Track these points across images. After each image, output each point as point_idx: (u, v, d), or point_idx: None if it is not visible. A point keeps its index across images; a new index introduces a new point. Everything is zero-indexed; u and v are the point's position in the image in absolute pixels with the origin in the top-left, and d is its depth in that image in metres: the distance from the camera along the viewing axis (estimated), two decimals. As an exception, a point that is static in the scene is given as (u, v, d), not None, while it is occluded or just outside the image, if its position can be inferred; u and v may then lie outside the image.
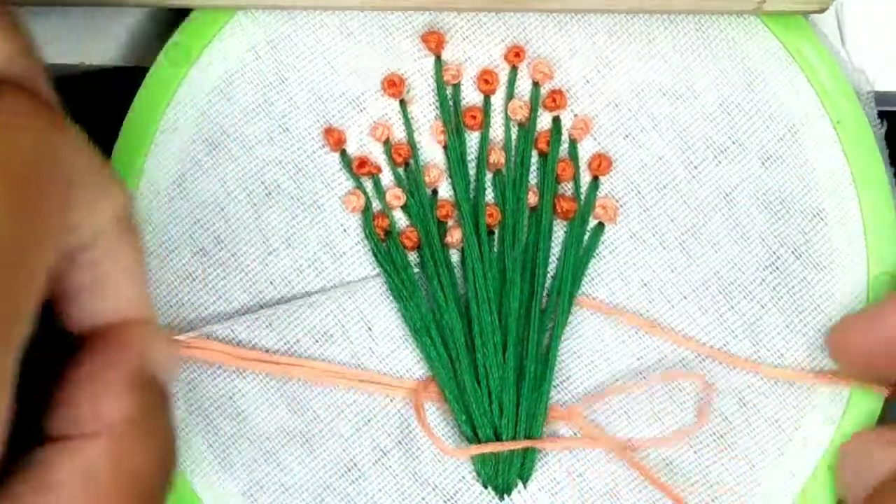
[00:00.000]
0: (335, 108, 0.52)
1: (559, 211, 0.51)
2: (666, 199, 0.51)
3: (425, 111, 0.52)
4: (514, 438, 0.50)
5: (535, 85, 0.52)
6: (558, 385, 0.51)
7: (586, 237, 0.51)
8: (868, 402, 0.51)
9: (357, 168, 0.51)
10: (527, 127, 0.51)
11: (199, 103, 0.51)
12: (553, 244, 0.51)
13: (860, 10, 0.52)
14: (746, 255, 0.51)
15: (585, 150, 0.52)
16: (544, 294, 0.51)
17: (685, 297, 0.51)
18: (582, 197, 0.51)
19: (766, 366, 0.51)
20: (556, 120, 0.51)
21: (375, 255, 0.51)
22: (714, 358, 0.51)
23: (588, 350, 0.51)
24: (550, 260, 0.51)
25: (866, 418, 0.50)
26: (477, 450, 0.50)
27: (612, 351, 0.51)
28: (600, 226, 0.51)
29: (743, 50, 0.51)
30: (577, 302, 0.51)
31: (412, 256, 0.51)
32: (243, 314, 0.51)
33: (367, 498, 0.51)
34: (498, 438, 0.51)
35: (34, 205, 0.33)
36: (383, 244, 0.51)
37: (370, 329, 0.51)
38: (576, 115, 0.52)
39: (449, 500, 0.51)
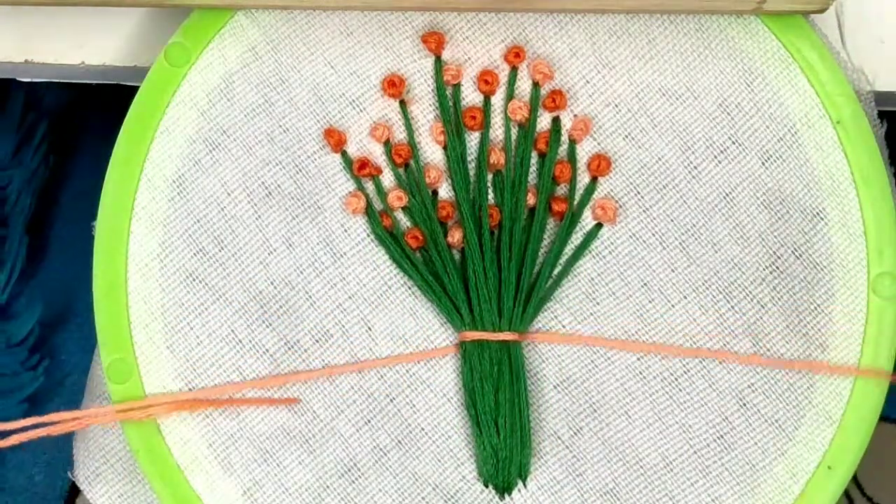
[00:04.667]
0: (335, 108, 0.52)
1: (555, 212, 0.51)
2: (666, 200, 0.51)
3: (425, 111, 0.52)
4: (511, 435, 0.51)
5: (535, 85, 0.52)
6: (559, 385, 0.51)
7: (579, 237, 0.51)
8: (869, 401, 0.51)
9: (358, 170, 0.51)
10: (527, 127, 0.51)
11: (199, 103, 0.51)
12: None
13: (860, 10, 0.52)
14: (747, 255, 0.51)
15: (585, 151, 0.52)
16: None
17: (685, 297, 0.51)
18: (576, 198, 0.51)
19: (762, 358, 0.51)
20: (556, 120, 0.51)
21: (392, 258, 0.51)
22: (703, 357, 0.51)
23: (588, 349, 0.51)
24: (550, 260, 0.51)
25: (867, 417, 0.50)
26: None
27: (613, 350, 0.51)
28: (598, 226, 0.51)
29: (743, 50, 0.51)
30: (536, 336, 0.51)
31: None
32: (243, 314, 0.51)
33: (367, 498, 0.51)
34: (498, 433, 0.51)
35: None
36: (396, 246, 0.51)
37: (370, 329, 0.51)
38: (575, 116, 0.51)
39: (449, 499, 0.51)
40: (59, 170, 0.67)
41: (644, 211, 0.51)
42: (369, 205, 0.51)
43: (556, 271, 0.51)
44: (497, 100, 0.52)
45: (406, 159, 0.51)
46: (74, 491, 0.65)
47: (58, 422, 0.49)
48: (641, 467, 0.51)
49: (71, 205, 0.71)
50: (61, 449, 0.68)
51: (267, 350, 0.51)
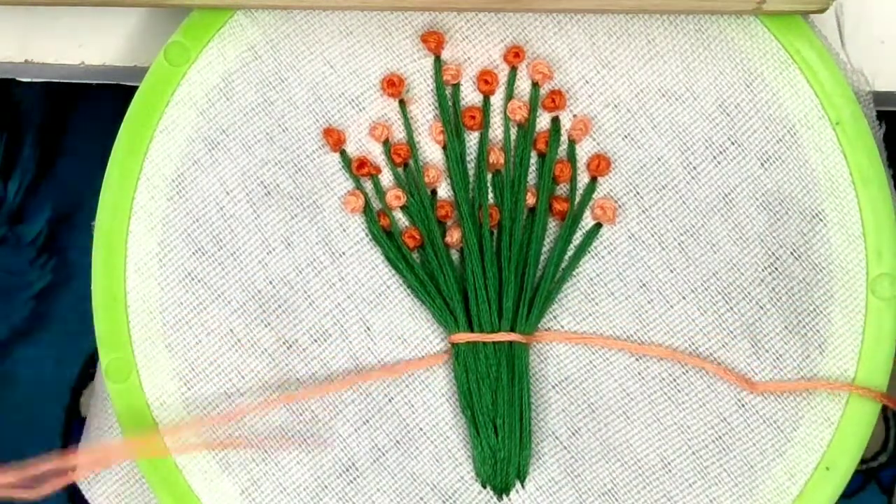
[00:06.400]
0: (335, 107, 0.52)
1: (555, 212, 0.51)
2: (665, 200, 0.51)
3: (425, 111, 0.52)
4: (510, 435, 0.51)
5: (535, 85, 0.52)
6: (557, 385, 0.51)
7: (578, 237, 0.51)
8: (867, 403, 0.50)
9: (357, 169, 0.51)
10: (526, 127, 0.51)
11: (198, 103, 0.51)
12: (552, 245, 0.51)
13: (860, 10, 0.52)
14: (745, 256, 0.51)
15: (584, 151, 0.52)
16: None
17: (684, 298, 0.51)
18: (576, 198, 0.51)
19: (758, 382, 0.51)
20: (555, 120, 0.51)
21: (387, 257, 0.51)
22: (699, 367, 0.51)
23: (587, 349, 0.51)
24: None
25: (865, 418, 0.50)
26: None
27: (611, 351, 0.51)
28: (597, 226, 0.51)
29: (742, 50, 0.51)
30: (542, 336, 0.51)
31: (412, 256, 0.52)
32: (242, 313, 0.51)
33: (365, 497, 0.51)
34: (496, 434, 0.51)
35: None
36: (392, 245, 0.51)
37: (368, 329, 0.51)
38: (575, 116, 0.51)
39: (447, 500, 0.51)
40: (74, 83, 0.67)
41: (643, 211, 0.51)
42: (367, 204, 0.51)
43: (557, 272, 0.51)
44: (496, 100, 0.52)
45: (405, 159, 0.51)
46: (81, 384, 0.66)
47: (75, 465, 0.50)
48: (640, 468, 0.51)
49: (83, 112, 0.71)
50: (70, 345, 0.69)
51: (265, 349, 0.51)
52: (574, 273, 0.51)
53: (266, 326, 0.51)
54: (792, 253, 0.51)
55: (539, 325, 0.51)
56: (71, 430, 0.53)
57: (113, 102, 0.54)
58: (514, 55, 0.51)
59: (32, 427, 0.61)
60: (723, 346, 0.51)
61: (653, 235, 0.51)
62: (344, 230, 0.52)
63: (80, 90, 0.64)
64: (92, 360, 0.52)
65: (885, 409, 0.55)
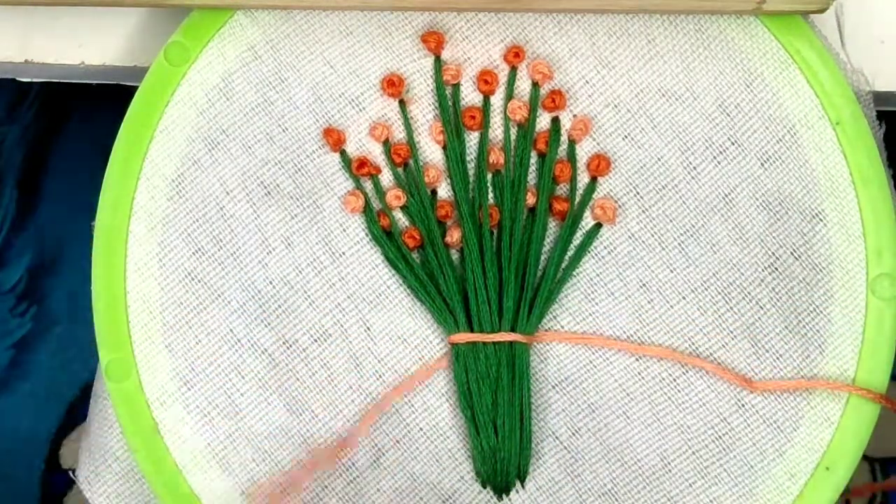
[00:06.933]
0: (334, 107, 0.52)
1: (555, 212, 0.51)
2: (665, 200, 0.51)
3: (425, 111, 0.52)
4: (510, 435, 0.51)
5: (535, 85, 0.52)
6: (557, 385, 0.51)
7: (578, 237, 0.51)
8: (867, 403, 0.50)
9: (357, 169, 0.51)
10: (526, 127, 0.51)
11: (198, 102, 0.52)
12: (552, 245, 0.51)
13: (860, 10, 0.52)
14: (745, 257, 0.51)
15: (585, 151, 0.52)
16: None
17: (684, 298, 0.51)
18: (576, 198, 0.51)
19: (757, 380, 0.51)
20: (555, 121, 0.51)
21: (387, 257, 0.51)
22: (698, 367, 0.51)
23: (587, 349, 0.51)
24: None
25: (865, 419, 0.50)
26: None
27: (612, 351, 0.51)
28: (597, 226, 0.51)
29: (742, 51, 0.51)
30: (543, 336, 0.51)
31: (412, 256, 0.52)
32: (242, 313, 0.51)
33: (364, 497, 0.51)
34: (496, 434, 0.51)
35: None
36: (392, 245, 0.51)
37: (368, 329, 0.51)
38: (575, 116, 0.51)
39: (447, 500, 0.51)
40: (52, 125, 0.67)
41: (643, 211, 0.51)
42: (367, 204, 0.51)
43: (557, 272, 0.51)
44: (496, 100, 0.52)
45: (405, 159, 0.51)
46: (60, 436, 0.65)
47: None
48: (640, 468, 0.51)
49: (62, 158, 0.71)
50: (49, 394, 0.68)
51: (265, 349, 0.51)
52: (574, 273, 0.51)
53: (266, 326, 0.51)
54: (792, 253, 0.51)
55: (539, 326, 0.51)
56: (50, 482, 0.52)
57: (113, 102, 0.54)
58: (514, 55, 0.51)
59: (10, 479, 0.60)
60: (723, 346, 0.51)
61: (653, 235, 0.51)
62: (344, 230, 0.52)
63: (80, 90, 0.64)
64: (72, 409, 0.51)
65: (871, 468, 0.55)
